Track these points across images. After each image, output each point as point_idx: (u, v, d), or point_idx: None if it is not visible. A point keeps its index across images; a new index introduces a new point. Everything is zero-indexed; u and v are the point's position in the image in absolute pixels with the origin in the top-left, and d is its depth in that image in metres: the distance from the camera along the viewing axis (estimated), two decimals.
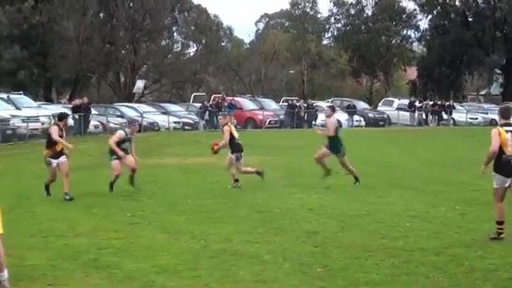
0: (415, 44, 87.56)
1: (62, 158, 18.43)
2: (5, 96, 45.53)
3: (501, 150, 13.11)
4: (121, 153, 19.06)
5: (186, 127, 52.12)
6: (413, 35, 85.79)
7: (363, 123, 58.94)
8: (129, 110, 51.20)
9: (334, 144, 20.24)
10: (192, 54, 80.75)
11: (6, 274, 6.62)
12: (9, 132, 37.61)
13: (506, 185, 13.20)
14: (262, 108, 56.76)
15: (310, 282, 10.50)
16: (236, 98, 59.81)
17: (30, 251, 12.50)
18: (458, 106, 67.29)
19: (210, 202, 18.00)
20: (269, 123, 53.17)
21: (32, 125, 39.22)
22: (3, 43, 57.80)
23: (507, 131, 13.13)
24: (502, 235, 13.17)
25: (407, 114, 62.38)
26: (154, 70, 75.13)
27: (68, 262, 11.84)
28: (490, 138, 12.95)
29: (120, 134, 19.74)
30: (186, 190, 20.23)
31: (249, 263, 11.72)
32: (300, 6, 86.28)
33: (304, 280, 10.63)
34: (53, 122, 19.68)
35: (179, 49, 79.78)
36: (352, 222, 14.94)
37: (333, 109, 22.25)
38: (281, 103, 62.59)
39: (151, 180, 22.54)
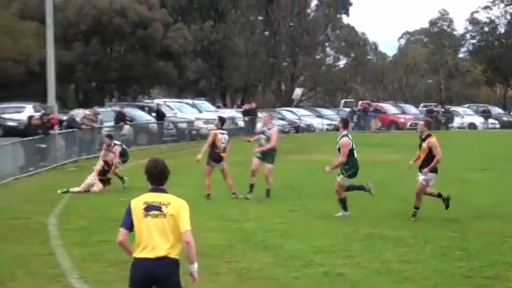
0: None
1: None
2: (190, 102, 46.81)
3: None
4: None
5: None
6: None
7: (498, 125, 56.72)
8: (289, 114, 51.48)
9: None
10: (342, 65, 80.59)
11: (195, 265, 6.48)
12: (194, 132, 38.29)
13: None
14: (403, 112, 55.90)
15: (450, 263, 10.30)
16: (380, 104, 59.08)
17: (211, 233, 12.77)
18: None
19: (357, 192, 17.80)
20: (410, 125, 52.16)
21: (211, 126, 40.01)
22: (189, 57, 59.48)
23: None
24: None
25: None
26: (309, 79, 75.44)
27: (241, 242, 12.10)
28: None
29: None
30: None
31: (394, 246, 11.61)
32: (438, 25, 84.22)
33: (444, 261, 10.44)
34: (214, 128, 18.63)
35: (331, 61, 79.80)
36: (487, 211, 14.51)
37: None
38: (420, 108, 61.28)
39: (308, 173, 22.62)
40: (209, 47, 62.67)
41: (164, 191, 6.40)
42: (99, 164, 19.77)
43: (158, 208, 6.22)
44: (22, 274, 10.08)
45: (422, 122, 14.45)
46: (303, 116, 52.34)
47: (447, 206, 13.90)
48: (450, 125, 53.38)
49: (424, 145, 13.48)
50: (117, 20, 53.33)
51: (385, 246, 11.57)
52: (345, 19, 78.61)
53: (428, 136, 13.55)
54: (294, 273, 9.97)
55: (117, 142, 21.07)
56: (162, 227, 6.20)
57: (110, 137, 21.04)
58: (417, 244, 11.68)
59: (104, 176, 19.44)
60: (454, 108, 58.61)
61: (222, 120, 17.69)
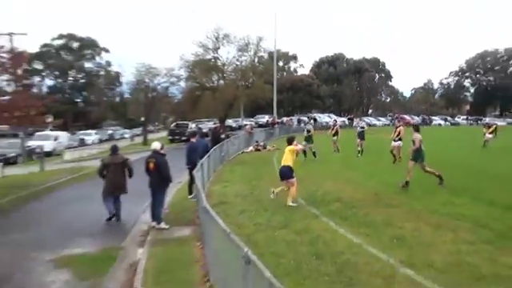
0: None
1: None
2: (328, 114, 44.17)
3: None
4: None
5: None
6: None
7: (449, 124, 47.59)
8: (366, 119, 46.09)
9: None
10: (388, 101, 72.97)
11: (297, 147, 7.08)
12: (328, 126, 35.21)
13: None
14: (412, 118, 47.87)
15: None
16: (402, 115, 51.71)
17: (326, 182, 11.32)
18: None
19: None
20: (413, 124, 45.18)
21: (331, 122, 36.69)
22: (326, 98, 57.07)
23: None
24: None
25: None
26: (374, 106, 69.22)
27: (348, 186, 8.85)
28: None
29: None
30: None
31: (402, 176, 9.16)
32: (427, 84, 73.45)
33: (426, 193, 7.78)
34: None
35: (383, 99, 72.62)
36: (450, 162, 11.15)
37: None
38: (419, 117, 50.93)
39: (374, 142, 17.43)
40: (334, 94, 59.58)
41: (290, 145, 6.89)
42: (254, 146, 17.42)
43: (285, 149, 6.81)
44: (264, 178, 8.86)
45: (397, 121, 12.84)
46: (372, 120, 48.03)
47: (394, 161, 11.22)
48: (431, 124, 46.43)
49: (397, 129, 11.69)
50: (298, 83, 52.65)
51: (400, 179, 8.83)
52: (390, 83, 71.32)
53: (399, 126, 11.81)
54: (362, 190, 8.32)
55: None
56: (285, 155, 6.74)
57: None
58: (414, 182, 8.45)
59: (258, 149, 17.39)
60: (433, 117, 50.88)
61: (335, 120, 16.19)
